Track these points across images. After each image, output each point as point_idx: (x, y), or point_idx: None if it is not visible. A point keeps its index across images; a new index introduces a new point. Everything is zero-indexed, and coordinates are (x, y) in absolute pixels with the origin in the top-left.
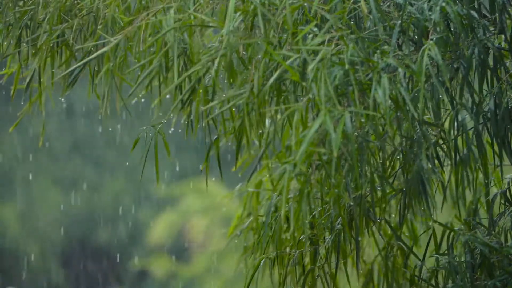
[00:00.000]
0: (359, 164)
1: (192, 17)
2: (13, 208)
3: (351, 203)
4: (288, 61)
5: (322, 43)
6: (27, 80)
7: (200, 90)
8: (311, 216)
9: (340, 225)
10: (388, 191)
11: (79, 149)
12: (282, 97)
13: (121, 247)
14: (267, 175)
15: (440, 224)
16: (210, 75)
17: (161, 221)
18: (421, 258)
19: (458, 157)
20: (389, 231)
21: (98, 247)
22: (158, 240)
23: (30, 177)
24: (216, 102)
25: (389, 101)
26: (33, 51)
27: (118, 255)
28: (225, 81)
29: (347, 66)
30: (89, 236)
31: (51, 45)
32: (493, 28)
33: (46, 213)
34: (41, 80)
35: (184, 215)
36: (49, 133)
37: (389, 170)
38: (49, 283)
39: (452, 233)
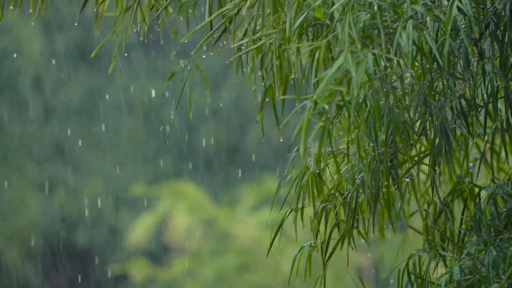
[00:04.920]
0: (379, 105)
1: None
2: None
3: (375, 154)
4: (317, 2)
5: None
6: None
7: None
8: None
9: (360, 180)
10: (412, 139)
11: (58, 151)
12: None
13: (100, 250)
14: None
15: (469, 182)
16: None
17: (140, 224)
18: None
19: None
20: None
21: (76, 250)
22: (136, 243)
23: (8, 179)
24: (246, 40)
25: (413, 46)
26: None
27: (97, 259)
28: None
29: (376, 7)
30: (67, 239)
31: None
32: None
33: (24, 215)
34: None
35: (163, 217)
36: (28, 135)
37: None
38: (27, 286)
39: (479, 190)
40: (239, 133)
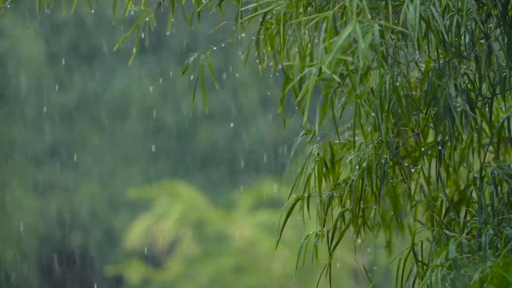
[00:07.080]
0: (382, 74)
1: None
2: None
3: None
4: None
5: None
6: None
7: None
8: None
9: (366, 164)
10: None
11: (55, 153)
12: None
13: (96, 252)
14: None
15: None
16: None
17: (136, 226)
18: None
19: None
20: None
21: (73, 252)
22: (132, 245)
23: (5, 181)
24: (253, 5)
25: (420, 20)
26: None
27: (93, 260)
28: None
29: None
30: (64, 241)
31: None
32: None
33: (21, 217)
34: None
35: (159, 219)
36: (25, 137)
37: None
38: (24, 287)
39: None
40: (236, 134)
